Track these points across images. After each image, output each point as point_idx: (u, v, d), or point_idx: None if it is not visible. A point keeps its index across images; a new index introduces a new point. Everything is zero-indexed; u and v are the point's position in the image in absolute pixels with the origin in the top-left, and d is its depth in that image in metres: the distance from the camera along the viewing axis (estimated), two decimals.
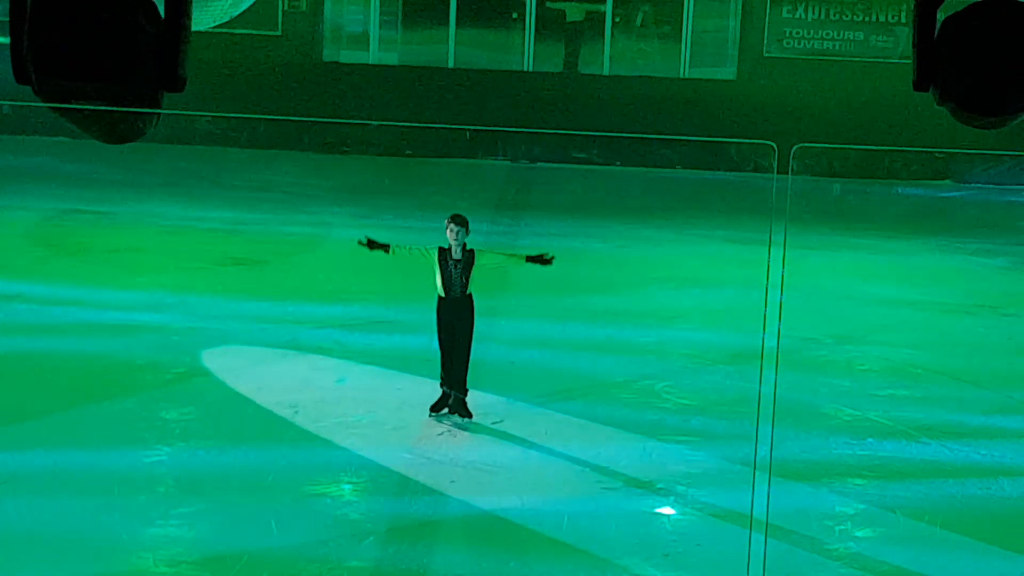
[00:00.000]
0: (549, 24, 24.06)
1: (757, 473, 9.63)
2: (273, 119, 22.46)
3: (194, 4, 4.28)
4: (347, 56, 24.27)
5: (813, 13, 23.55)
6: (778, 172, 17.78)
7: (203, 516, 9.19)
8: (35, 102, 4.19)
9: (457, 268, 10.77)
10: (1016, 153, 20.54)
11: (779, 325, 8.24)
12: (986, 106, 4.38)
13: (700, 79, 23.78)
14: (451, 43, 23.90)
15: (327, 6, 24.14)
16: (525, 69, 23.92)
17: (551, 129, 22.46)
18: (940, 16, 4.39)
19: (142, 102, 4.16)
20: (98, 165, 19.39)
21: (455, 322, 10.86)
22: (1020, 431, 11.49)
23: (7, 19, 4.12)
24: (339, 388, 11.72)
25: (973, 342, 13.94)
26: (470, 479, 9.91)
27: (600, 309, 14.41)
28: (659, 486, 9.94)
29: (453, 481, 9.86)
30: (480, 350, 11.17)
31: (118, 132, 4.50)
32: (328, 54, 24.18)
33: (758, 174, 21.65)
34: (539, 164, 22.53)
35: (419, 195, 19.37)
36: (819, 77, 23.13)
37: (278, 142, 22.80)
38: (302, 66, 23.37)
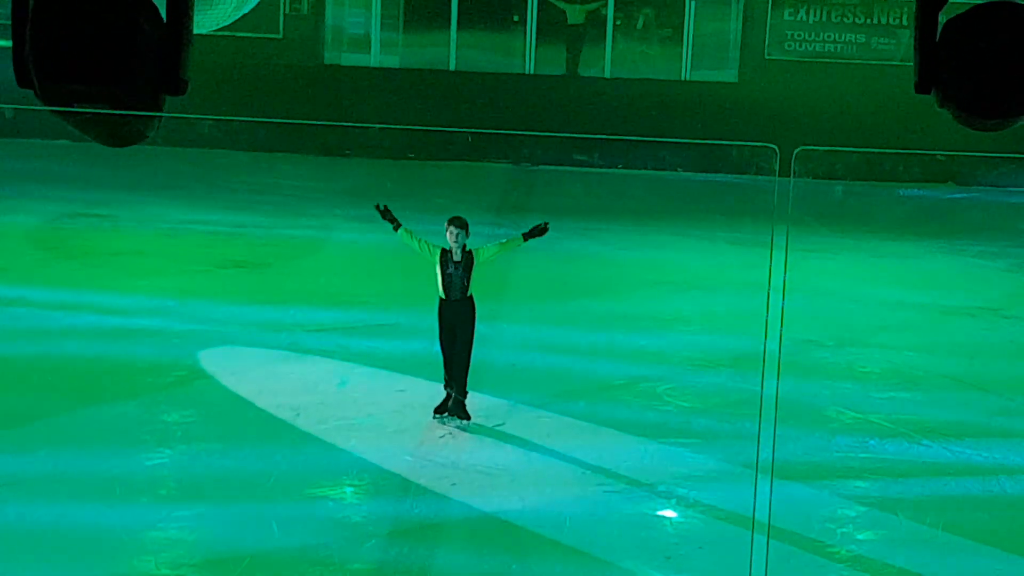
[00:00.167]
0: (550, 27, 24.07)
1: (759, 475, 9.63)
2: (274, 122, 22.48)
3: (196, 7, 4.28)
4: (348, 59, 24.29)
5: (814, 15, 23.56)
6: (780, 175, 17.75)
7: (204, 519, 9.19)
8: (37, 105, 4.19)
9: (457, 270, 10.77)
10: (1018, 155, 20.54)
11: (781, 327, 8.24)
12: (988, 109, 4.38)
13: (701, 82, 23.80)
14: (452, 46, 23.92)
15: (328, 9, 24.16)
16: (526, 72, 23.94)
17: (553, 132, 22.46)
18: (942, 19, 4.39)
19: (143, 105, 4.16)
20: (99, 168, 19.40)
21: (456, 324, 10.86)
22: (1022, 433, 11.49)
23: (9, 22, 4.13)
24: (340, 391, 11.72)
25: (975, 344, 13.93)
26: (472, 481, 9.90)
27: (602, 311, 14.41)
28: (661, 488, 9.94)
29: (455, 484, 9.86)
30: (482, 353, 11.17)
31: (119, 135, 4.50)
32: (329, 57, 24.20)
33: (760, 176, 21.65)
34: (541, 167, 22.53)
35: (421, 198, 19.35)
36: (821, 80, 23.14)
37: (279, 145, 22.81)
38: (304, 69, 23.38)
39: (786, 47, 23.61)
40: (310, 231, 17.68)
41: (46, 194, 18.89)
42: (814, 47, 23.57)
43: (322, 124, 22.73)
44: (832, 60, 23.52)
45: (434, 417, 11.02)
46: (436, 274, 10.83)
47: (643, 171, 22.37)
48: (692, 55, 24.01)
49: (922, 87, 4.42)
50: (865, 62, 23.19)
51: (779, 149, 12.00)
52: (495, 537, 9.12)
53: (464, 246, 10.77)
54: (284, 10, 23.56)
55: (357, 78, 23.47)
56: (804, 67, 23.44)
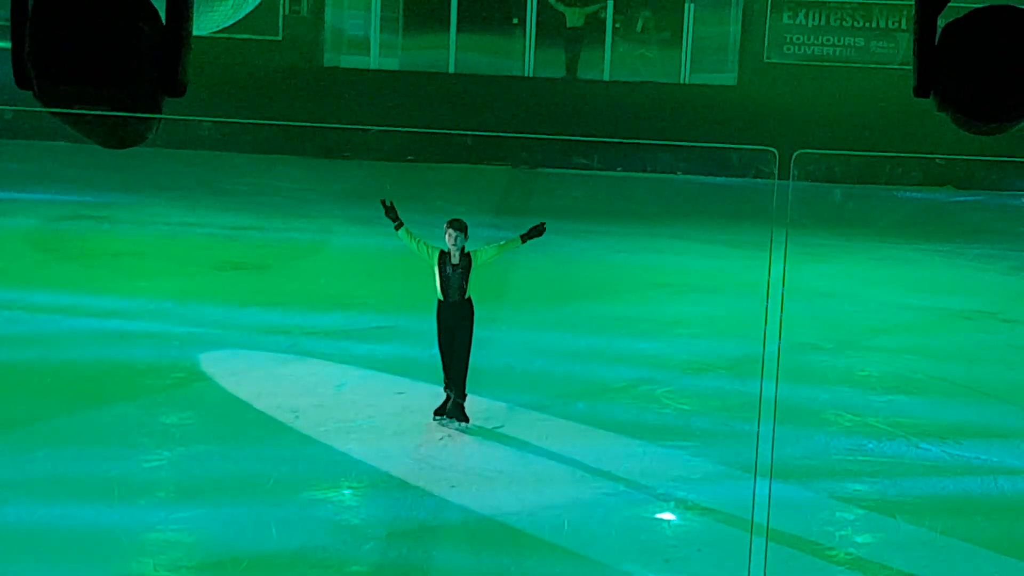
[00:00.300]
0: (550, 29, 24.09)
1: (758, 478, 9.64)
2: (274, 124, 22.47)
3: (196, 9, 4.28)
4: (348, 61, 24.31)
5: (814, 19, 23.58)
6: (779, 178, 17.77)
7: (203, 521, 9.19)
8: (36, 107, 4.20)
9: (456, 272, 10.77)
10: (1017, 159, 20.54)
11: (780, 330, 8.25)
12: (986, 112, 4.39)
13: (701, 85, 23.81)
14: (452, 48, 23.94)
15: (328, 11, 24.18)
16: (526, 74, 23.96)
17: (552, 134, 22.46)
18: (940, 22, 4.40)
19: (143, 107, 4.17)
20: (98, 170, 19.39)
21: (454, 326, 10.86)
22: (1020, 436, 11.49)
23: (8, 24, 4.13)
24: (339, 393, 11.71)
25: (973, 347, 13.93)
26: (470, 483, 9.91)
27: (601, 314, 14.40)
28: (659, 491, 9.94)
29: (453, 486, 9.86)
30: (480, 355, 11.17)
31: (119, 137, 4.51)
32: (329, 59, 24.22)
33: (759, 180, 21.64)
34: (540, 169, 22.52)
35: (420, 200, 19.35)
36: (820, 83, 23.15)
37: (279, 147, 22.79)
38: (303, 71, 23.40)
39: (785, 50, 23.63)
40: (309, 233, 17.68)
41: (45, 195, 18.89)
42: (813, 50, 23.60)
43: (322, 126, 22.72)
44: (831, 63, 23.54)
45: (433, 419, 11.02)
46: (435, 276, 10.84)
47: (642, 174, 22.36)
48: (691, 58, 24.04)
49: (921, 91, 4.43)
50: (864, 66, 23.22)
51: (778, 152, 12.02)
52: (494, 539, 9.13)
53: (463, 248, 10.77)
54: (283, 12, 23.58)
55: (356, 80, 23.47)
56: (803, 70, 23.47)
